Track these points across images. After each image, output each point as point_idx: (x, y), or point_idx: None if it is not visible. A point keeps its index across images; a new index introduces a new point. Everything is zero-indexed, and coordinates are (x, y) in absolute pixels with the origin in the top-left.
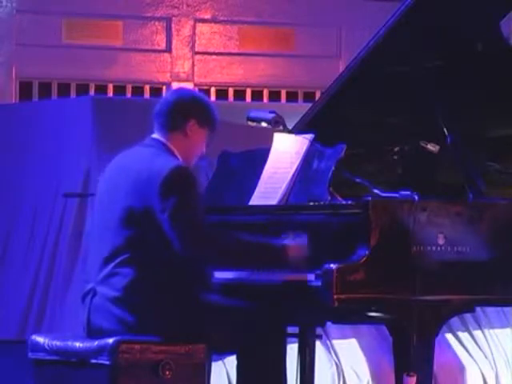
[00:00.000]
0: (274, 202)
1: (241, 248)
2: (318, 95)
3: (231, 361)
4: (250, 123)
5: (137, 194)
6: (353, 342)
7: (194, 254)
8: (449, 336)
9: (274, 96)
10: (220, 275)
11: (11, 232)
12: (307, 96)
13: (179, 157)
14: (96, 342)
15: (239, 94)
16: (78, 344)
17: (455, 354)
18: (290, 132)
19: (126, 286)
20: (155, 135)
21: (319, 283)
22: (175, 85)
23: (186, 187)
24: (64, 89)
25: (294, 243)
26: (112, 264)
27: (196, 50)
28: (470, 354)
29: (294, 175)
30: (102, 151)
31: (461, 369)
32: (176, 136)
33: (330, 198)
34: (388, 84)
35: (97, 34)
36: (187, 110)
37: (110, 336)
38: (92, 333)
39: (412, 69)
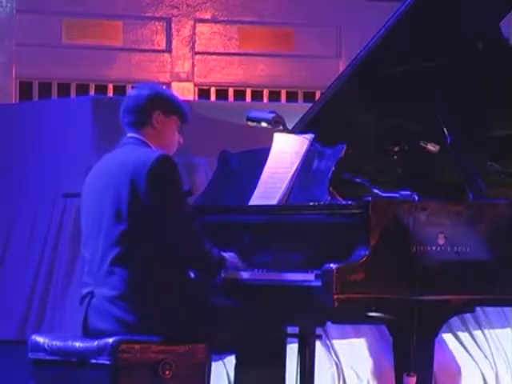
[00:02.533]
0: (274, 201)
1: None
2: (318, 95)
3: (231, 361)
4: (249, 123)
5: (124, 188)
6: (353, 342)
7: (178, 241)
8: (449, 336)
9: (274, 96)
10: None
11: (11, 232)
12: (307, 96)
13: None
14: (96, 342)
15: (239, 94)
16: (78, 344)
17: (455, 355)
18: (289, 132)
19: (123, 284)
20: (130, 134)
21: (319, 283)
22: (175, 85)
23: (170, 178)
24: (64, 89)
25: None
26: (107, 262)
27: (196, 50)
28: (469, 354)
29: (293, 175)
30: (102, 151)
31: (461, 369)
32: (147, 131)
33: (329, 198)
34: (388, 84)
35: (97, 34)
36: (149, 104)
37: (109, 336)
38: (89, 335)
39: (412, 69)
